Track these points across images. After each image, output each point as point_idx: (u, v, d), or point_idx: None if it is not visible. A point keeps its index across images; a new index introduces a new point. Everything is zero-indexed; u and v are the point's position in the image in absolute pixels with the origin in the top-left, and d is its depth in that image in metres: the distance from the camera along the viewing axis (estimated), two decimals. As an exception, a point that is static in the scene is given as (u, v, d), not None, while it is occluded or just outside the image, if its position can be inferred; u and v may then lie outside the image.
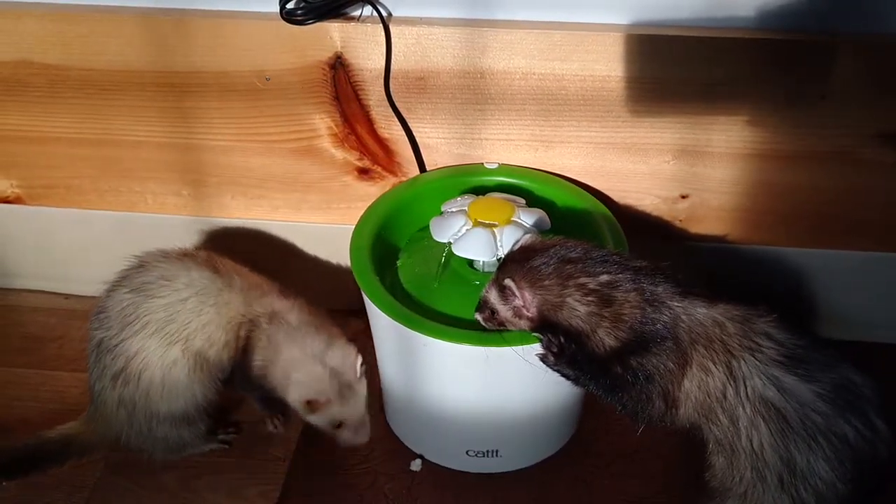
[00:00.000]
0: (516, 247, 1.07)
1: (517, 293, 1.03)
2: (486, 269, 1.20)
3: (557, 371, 1.07)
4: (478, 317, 1.08)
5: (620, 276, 1.01)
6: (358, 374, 1.18)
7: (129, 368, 1.15)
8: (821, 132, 1.28)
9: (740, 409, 0.97)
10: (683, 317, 0.99)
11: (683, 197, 1.37)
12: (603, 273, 1.01)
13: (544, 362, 1.06)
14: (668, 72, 1.25)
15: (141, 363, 1.15)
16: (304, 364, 1.17)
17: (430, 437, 1.25)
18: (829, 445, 0.94)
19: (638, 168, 1.34)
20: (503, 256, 1.10)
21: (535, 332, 1.06)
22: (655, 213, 1.39)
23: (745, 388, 0.96)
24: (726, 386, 0.97)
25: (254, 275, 1.24)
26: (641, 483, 1.24)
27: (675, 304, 0.99)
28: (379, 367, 1.28)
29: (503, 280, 1.03)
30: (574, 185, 1.34)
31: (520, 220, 1.18)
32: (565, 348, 1.04)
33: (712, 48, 1.23)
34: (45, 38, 1.32)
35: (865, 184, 1.32)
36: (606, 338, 1.00)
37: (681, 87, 1.26)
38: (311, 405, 1.16)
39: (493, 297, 1.06)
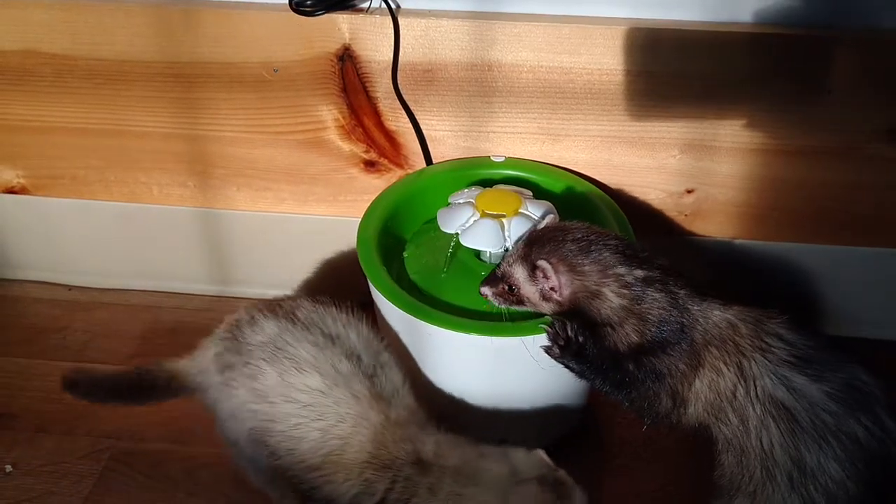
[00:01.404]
0: (545, 225, 1.06)
1: (552, 275, 1.01)
2: (493, 261, 1.20)
3: (563, 364, 1.06)
4: (485, 290, 1.06)
5: (652, 274, 1.00)
6: (552, 465, 1.01)
7: (230, 374, 1.07)
8: (828, 128, 1.28)
9: (750, 408, 0.97)
10: (700, 319, 0.99)
11: (689, 192, 1.37)
12: (638, 268, 1.00)
13: (549, 354, 1.06)
14: (676, 66, 1.25)
15: (232, 392, 1.07)
16: (517, 495, 0.98)
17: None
18: (839, 445, 0.93)
19: (644, 162, 1.34)
20: (532, 233, 1.07)
21: (561, 316, 1.04)
22: (661, 207, 1.39)
23: (756, 388, 0.96)
24: (737, 386, 0.97)
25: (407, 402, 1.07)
26: (648, 476, 1.24)
27: (695, 307, 1.00)
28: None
29: (537, 260, 1.01)
30: (581, 179, 1.34)
31: (528, 212, 1.18)
32: (571, 342, 1.04)
33: (720, 43, 1.23)
34: (52, 28, 1.32)
35: (872, 180, 1.32)
36: (632, 333, 1.00)
37: (688, 82, 1.26)
38: None
39: (518, 273, 1.03)
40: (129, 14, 1.30)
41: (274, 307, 1.10)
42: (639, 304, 0.99)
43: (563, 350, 1.04)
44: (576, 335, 1.03)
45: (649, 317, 0.99)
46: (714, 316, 0.99)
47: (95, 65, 1.34)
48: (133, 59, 1.33)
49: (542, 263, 1.00)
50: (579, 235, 1.02)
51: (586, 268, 1.00)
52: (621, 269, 1.00)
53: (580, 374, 1.06)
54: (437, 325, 1.09)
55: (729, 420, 0.99)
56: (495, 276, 1.07)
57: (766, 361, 0.96)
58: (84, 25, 1.31)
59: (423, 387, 1.20)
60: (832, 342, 0.99)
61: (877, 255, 1.38)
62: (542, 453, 1.02)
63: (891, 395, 0.96)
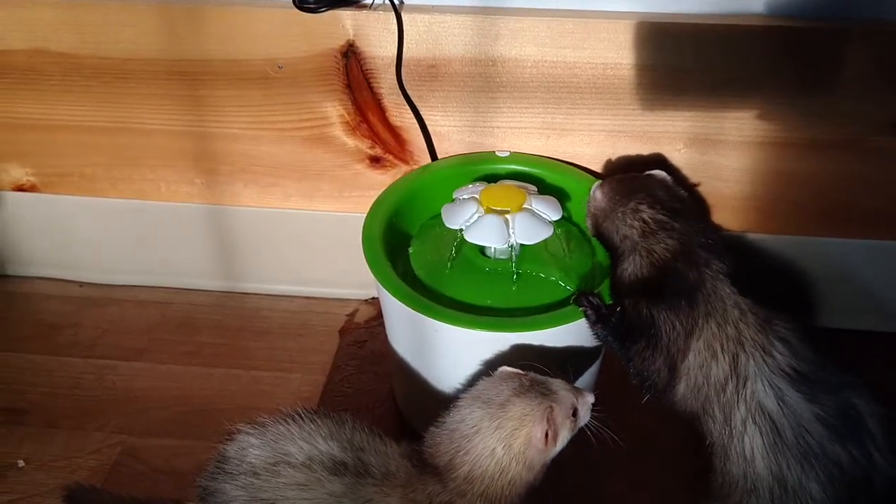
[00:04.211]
0: (646, 173, 1.17)
1: (597, 193, 1.14)
2: (497, 256, 1.20)
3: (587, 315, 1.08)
4: None
5: (676, 224, 1.05)
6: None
7: None
8: (834, 120, 1.27)
9: (736, 409, 0.96)
10: (708, 284, 1.01)
11: (695, 185, 1.37)
12: (662, 214, 1.06)
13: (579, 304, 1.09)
14: (680, 60, 1.25)
15: None
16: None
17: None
18: (821, 468, 0.92)
19: (649, 156, 1.34)
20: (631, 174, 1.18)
21: (593, 235, 1.17)
22: (667, 201, 1.39)
23: (746, 389, 0.95)
24: (728, 379, 0.97)
25: None
26: (653, 469, 1.24)
27: (707, 271, 1.02)
28: (391, 353, 1.29)
29: (596, 187, 1.16)
30: (586, 173, 1.34)
31: (532, 207, 1.18)
32: (605, 316, 1.07)
33: (725, 36, 1.23)
34: (59, 27, 1.33)
35: (880, 172, 1.31)
36: (632, 265, 1.06)
37: (693, 76, 1.26)
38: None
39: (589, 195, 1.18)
40: (134, 12, 1.31)
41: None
42: (645, 239, 1.05)
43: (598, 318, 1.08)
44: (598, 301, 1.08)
45: (655, 253, 1.04)
46: (724, 290, 1.01)
47: (102, 63, 1.35)
48: (139, 56, 1.34)
49: (594, 187, 1.16)
50: (639, 179, 1.14)
51: (616, 196, 1.11)
52: (642, 206, 1.08)
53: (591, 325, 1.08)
54: (441, 321, 1.09)
55: (714, 415, 0.98)
56: None
57: (765, 364, 0.95)
58: (90, 24, 1.32)
59: (428, 383, 1.21)
60: (840, 361, 0.97)
61: (884, 248, 1.38)
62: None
63: (891, 425, 0.94)
